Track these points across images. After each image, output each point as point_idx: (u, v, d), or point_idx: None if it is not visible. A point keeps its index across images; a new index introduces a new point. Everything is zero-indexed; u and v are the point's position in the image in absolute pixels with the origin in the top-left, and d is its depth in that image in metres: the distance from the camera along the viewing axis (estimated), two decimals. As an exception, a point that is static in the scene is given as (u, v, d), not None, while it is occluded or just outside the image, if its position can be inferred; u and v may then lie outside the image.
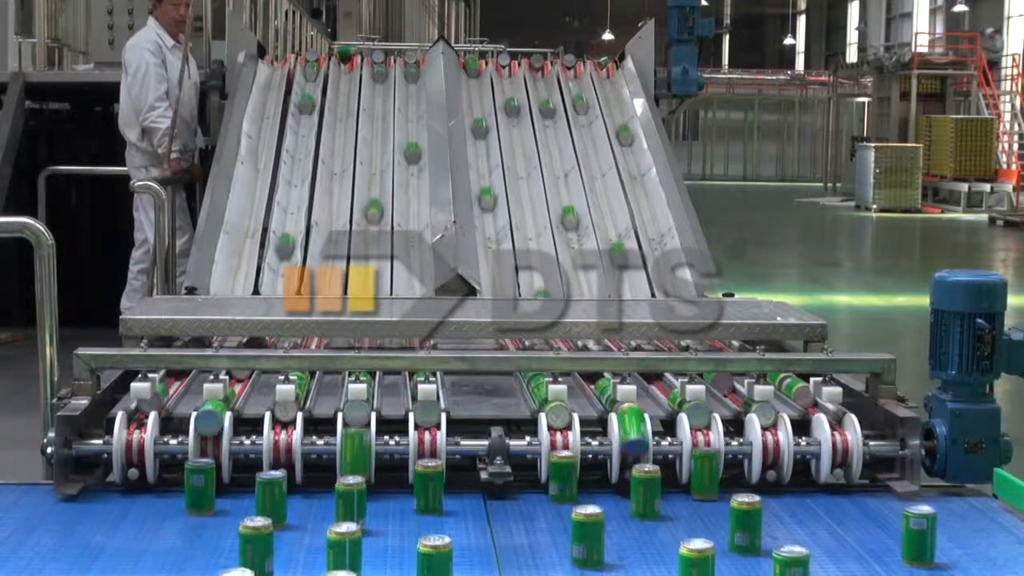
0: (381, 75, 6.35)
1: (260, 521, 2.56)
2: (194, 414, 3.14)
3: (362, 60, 6.58)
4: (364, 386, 3.32)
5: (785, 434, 3.19)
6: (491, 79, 6.43)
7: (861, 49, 40.80)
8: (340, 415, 3.16)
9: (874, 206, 25.17)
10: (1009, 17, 33.47)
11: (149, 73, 6.72)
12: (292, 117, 5.97)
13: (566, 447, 3.15)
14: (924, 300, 3.51)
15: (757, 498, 2.77)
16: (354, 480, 2.87)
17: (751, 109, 38.30)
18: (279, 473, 2.92)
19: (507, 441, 3.16)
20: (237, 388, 3.53)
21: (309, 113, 5.99)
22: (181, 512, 2.96)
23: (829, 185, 31.75)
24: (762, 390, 3.34)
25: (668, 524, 2.94)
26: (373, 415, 3.16)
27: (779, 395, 3.53)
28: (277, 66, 6.45)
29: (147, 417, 3.16)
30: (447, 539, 2.46)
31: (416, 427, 3.16)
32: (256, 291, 4.87)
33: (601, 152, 5.88)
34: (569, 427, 3.19)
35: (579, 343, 4.11)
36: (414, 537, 2.53)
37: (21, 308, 7.72)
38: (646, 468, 3.01)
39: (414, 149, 5.59)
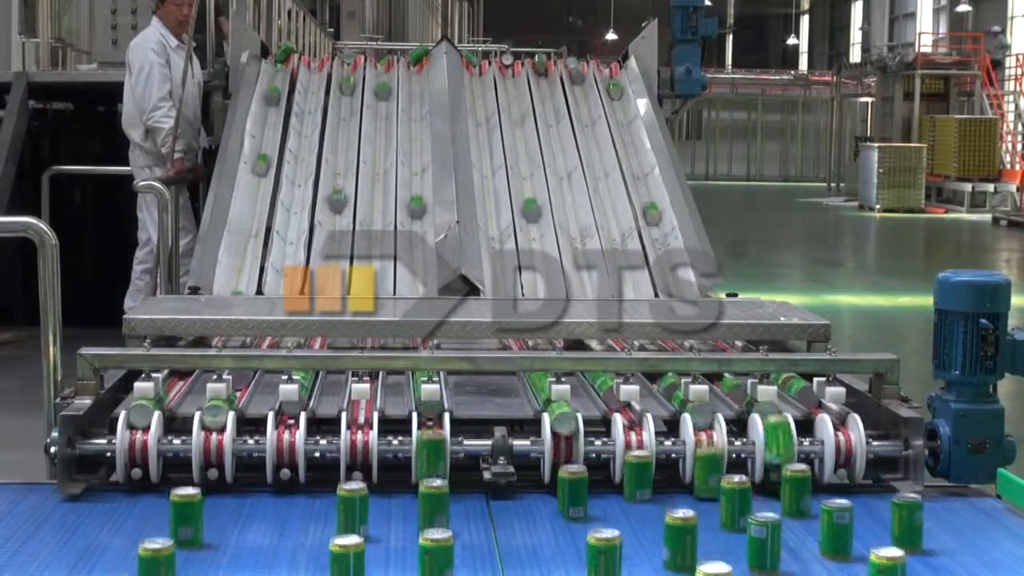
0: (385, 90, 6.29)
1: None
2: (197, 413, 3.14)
3: (365, 60, 6.58)
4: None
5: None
6: (494, 79, 6.43)
7: (864, 49, 40.78)
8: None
9: (877, 206, 25.13)
10: (1013, 17, 33.41)
11: (153, 73, 6.72)
12: (295, 116, 5.97)
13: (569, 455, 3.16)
14: (928, 300, 3.50)
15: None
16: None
17: (754, 109, 38.28)
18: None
19: (510, 441, 3.16)
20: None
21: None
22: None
23: (832, 185, 31.73)
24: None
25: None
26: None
27: (782, 394, 3.53)
28: (281, 66, 6.45)
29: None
30: (448, 533, 2.50)
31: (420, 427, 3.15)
32: (259, 291, 4.87)
33: (604, 152, 5.88)
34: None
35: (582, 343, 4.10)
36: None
37: (24, 308, 7.72)
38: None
39: (417, 203, 5.32)
